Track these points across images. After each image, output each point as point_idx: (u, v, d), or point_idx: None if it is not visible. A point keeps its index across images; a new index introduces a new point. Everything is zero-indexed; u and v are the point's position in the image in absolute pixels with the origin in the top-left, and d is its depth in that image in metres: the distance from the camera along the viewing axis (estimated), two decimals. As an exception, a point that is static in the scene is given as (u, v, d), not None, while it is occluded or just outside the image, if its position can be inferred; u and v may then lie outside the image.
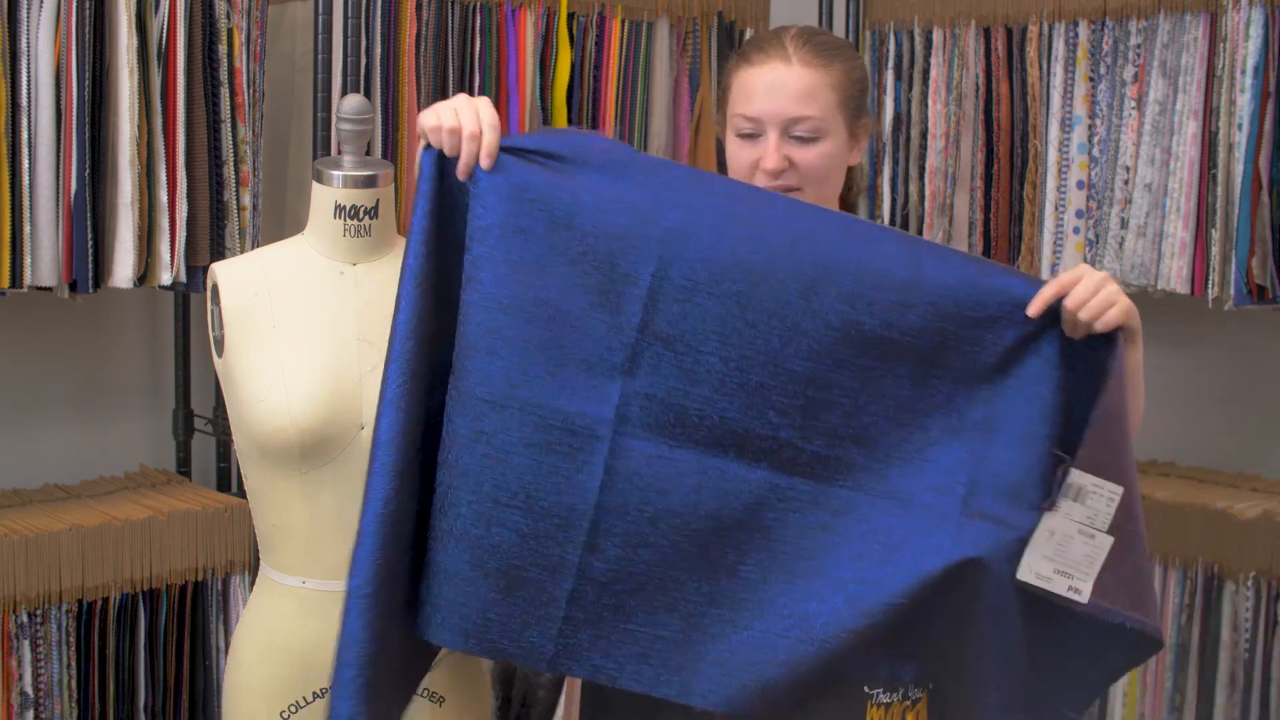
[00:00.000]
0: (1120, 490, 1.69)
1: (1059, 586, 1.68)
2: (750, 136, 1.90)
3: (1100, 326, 1.68)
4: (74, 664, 2.54)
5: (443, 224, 1.72)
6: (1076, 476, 1.68)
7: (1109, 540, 1.68)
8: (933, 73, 3.33)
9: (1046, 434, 1.70)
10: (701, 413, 1.70)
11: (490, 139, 1.68)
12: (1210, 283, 2.92)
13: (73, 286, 2.50)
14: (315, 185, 1.97)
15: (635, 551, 1.70)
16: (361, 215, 1.96)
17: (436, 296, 1.71)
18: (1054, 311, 1.70)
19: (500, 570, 1.68)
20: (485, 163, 1.68)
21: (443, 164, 1.72)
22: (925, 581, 1.69)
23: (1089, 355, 1.71)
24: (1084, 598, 1.68)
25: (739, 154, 1.92)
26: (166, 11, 2.55)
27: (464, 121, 1.69)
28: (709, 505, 1.71)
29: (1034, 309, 1.70)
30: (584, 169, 1.71)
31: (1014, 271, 1.79)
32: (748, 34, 3.34)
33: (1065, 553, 1.68)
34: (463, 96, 1.73)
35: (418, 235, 1.71)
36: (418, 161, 1.73)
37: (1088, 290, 1.68)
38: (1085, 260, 3.14)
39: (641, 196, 1.70)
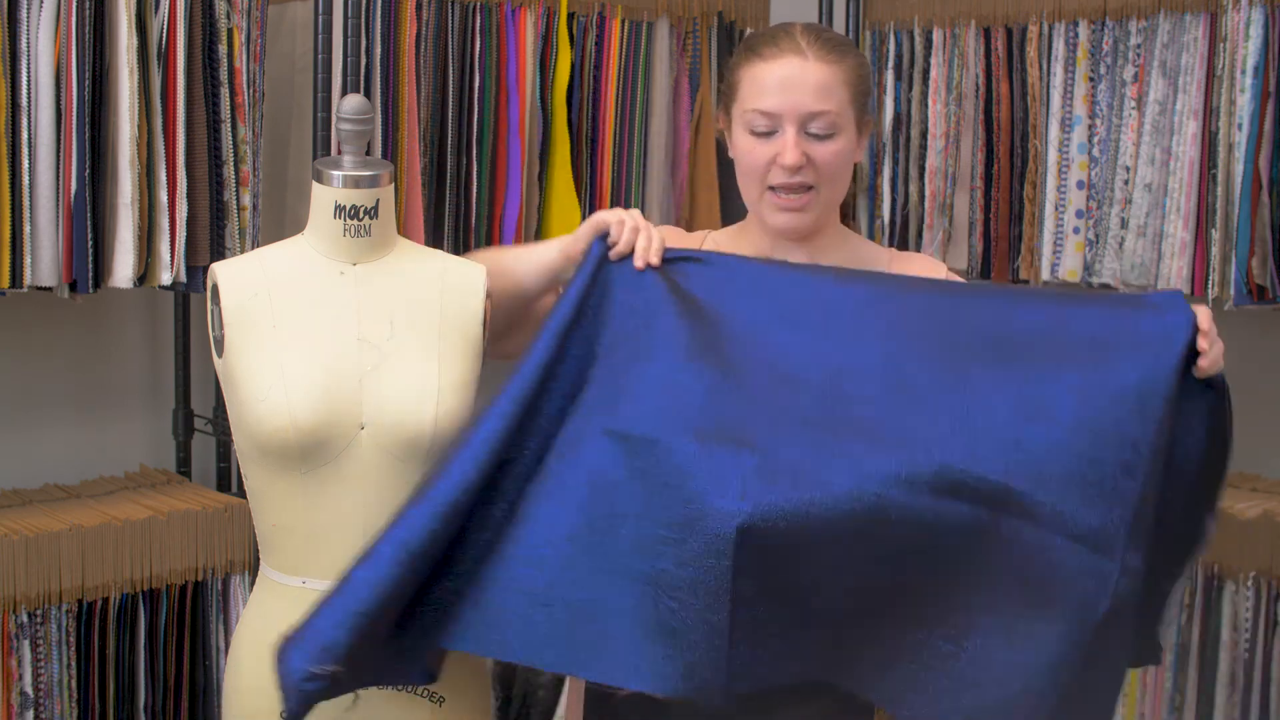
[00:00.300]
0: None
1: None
2: (765, 132, 1.88)
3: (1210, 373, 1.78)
4: (74, 664, 2.54)
5: (592, 301, 1.84)
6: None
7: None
8: (933, 73, 3.33)
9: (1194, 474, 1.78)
10: (860, 457, 1.71)
11: (659, 241, 1.85)
12: (1210, 283, 2.92)
13: (73, 286, 2.50)
14: (315, 185, 1.97)
15: (786, 574, 1.70)
16: (361, 215, 1.96)
17: (564, 356, 1.81)
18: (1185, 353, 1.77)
19: (670, 596, 1.69)
20: (655, 259, 1.83)
21: (605, 254, 1.85)
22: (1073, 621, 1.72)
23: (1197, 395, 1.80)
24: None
25: (754, 151, 1.89)
26: (166, 11, 2.55)
27: (640, 224, 1.85)
28: (862, 537, 1.70)
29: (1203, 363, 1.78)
30: (739, 272, 1.85)
31: (1140, 297, 1.86)
32: (747, 34, 3.34)
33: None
34: (636, 210, 1.91)
35: (572, 302, 1.81)
36: (587, 246, 1.86)
37: (1218, 345, 1.78)
38: (1085, 260, 3.14)
39: (792, 293, 1.82)
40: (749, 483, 1.66)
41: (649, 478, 1.70)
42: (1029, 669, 1.71)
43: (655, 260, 1.82)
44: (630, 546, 1.70)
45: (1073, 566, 1.71)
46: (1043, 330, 1.79)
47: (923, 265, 2.03)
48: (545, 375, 1.78)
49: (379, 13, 2.80)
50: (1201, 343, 1.76)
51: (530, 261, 1.95)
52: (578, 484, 1.74)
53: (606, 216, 1.85)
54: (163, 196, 2.56)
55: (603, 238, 1.84)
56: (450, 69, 2.91)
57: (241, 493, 2.74)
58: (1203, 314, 1.79)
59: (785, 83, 1.86)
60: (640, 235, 1.83)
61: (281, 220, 2.99)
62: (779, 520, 1.65)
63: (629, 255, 1.83)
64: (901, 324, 1.81)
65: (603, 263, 1.83)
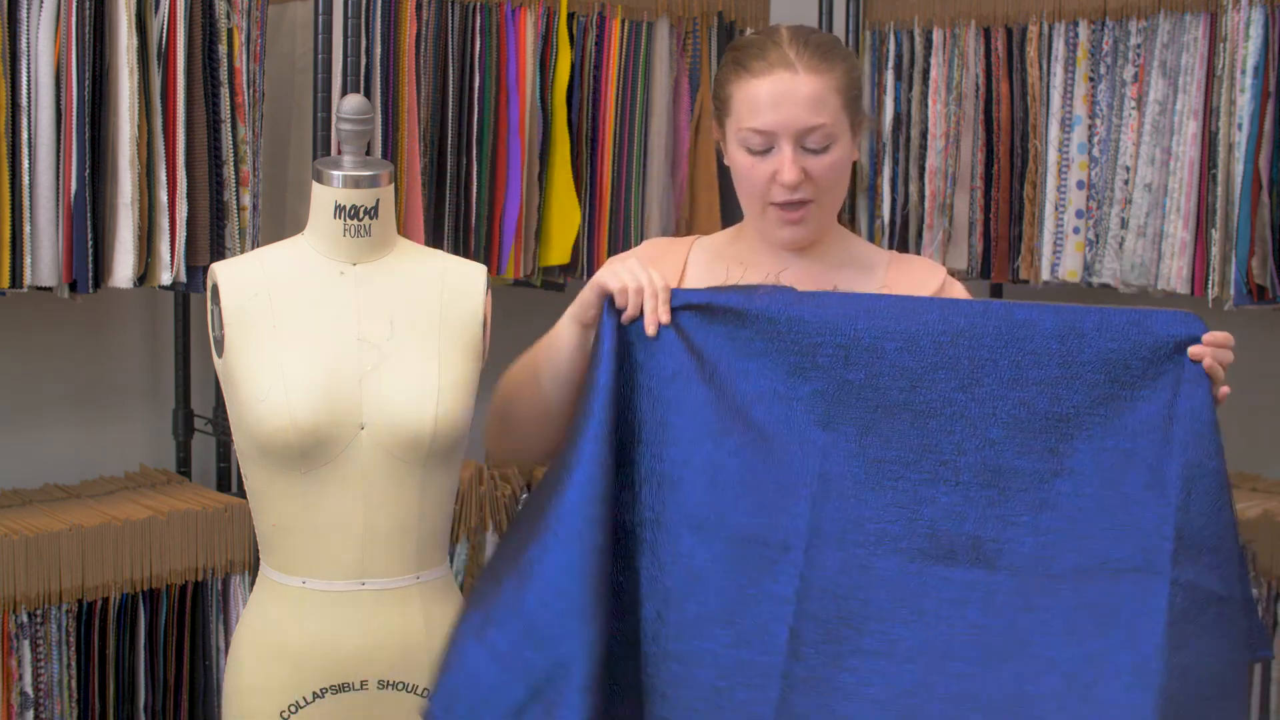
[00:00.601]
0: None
1: None
2: (761, 150, 1.87)
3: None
4: (74, 664, 2.54)
5: (620, 375, 1.84)
6: None
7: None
8: (933, 73, 3.33)
9: (1222, 485, 1.74)
10: (894, 523, 1.77)
11: (665, 293, 1.81)
12: (1210, 283, 2.92)
13: (73, 286, 2.50)
14: (315, 185, 1.97)
15: (837, 658, 1.76)
16: (361, 215, 1.96)
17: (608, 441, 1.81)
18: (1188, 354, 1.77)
19: (710, 684, 1.76)
20: (665, 317, 1.80)
21: (619, 322, 1.84)
22: (1145, 650, 1.72)
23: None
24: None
25: (752, 170, 1.88)
26: (166, 11, 2.55)
27: (643, 282, 1.80)
28: (910, 608, 1.76)
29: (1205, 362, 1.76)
30: (749, 317, 1.82)
31: (1150, 312, 1.82)
32: (747, 34, 3.34)
33: None
34: (634, 260, 1.85)
35: (605, 384, 1.80)
36: (599, 312, 1.83)
37: (1227, 358, 1.76)
38: (1085, 260, 3.14)
39: (805, 330, 1.80)
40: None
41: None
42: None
43: (665, 318, 1.81)
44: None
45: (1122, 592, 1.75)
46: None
47: (921, 268, 2.02)
48: (604, 463, 1.79)
49: (379, 13, 2.80)
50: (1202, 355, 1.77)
51: (555, 362, 1.90)
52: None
53: (609, 282, 1.81)
54: (163, 196, 2.56)
55: (611, 301, 1.83)
56: (450, 69, 2.91)
57: (241, 493, 2.74)
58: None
59: (777, 99, 1.85)
60: (646, 297, 1.81)
61: (281, 220, 2.99)
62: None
63: (640, 316, 1.82)
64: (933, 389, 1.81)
65: (620, 332, 1.82)
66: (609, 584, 1.76)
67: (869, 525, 1.78)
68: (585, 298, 1.84)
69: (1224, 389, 1.77)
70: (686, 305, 1.84)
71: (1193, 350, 1.76)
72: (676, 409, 1.81)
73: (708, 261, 2.00)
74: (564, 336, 1.88)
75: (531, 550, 1.73)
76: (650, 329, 1.81)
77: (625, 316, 1.81)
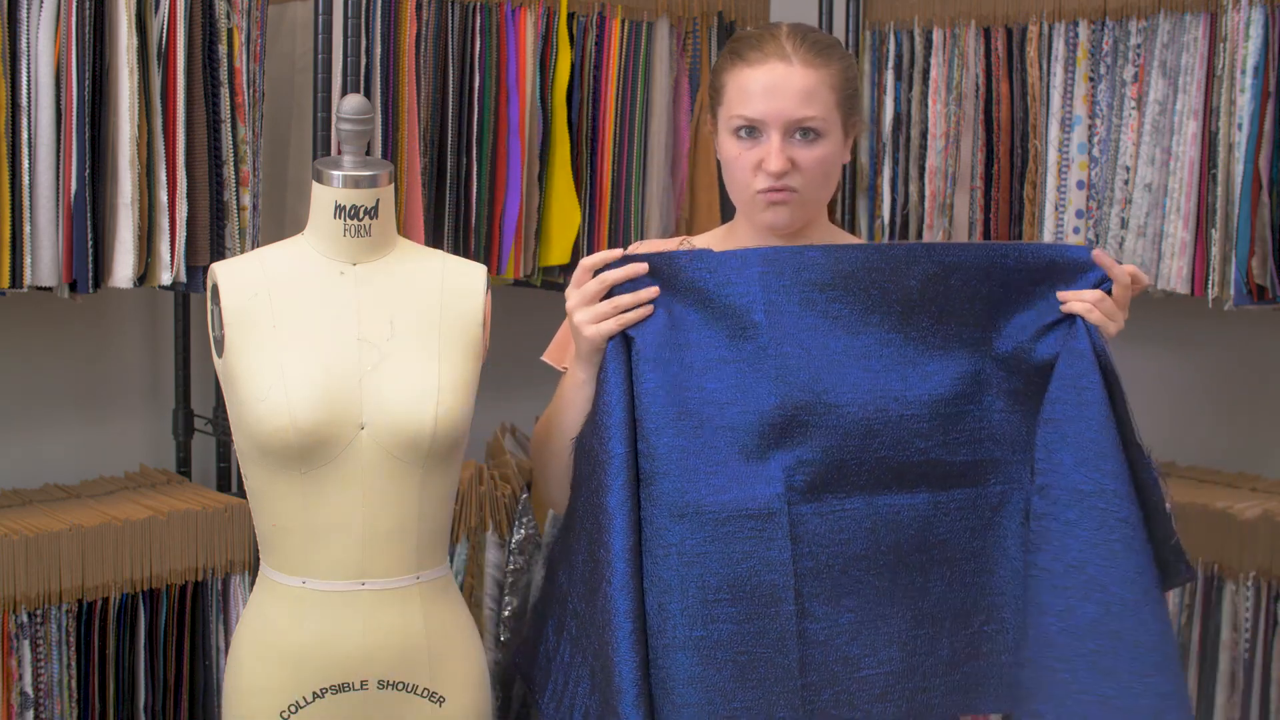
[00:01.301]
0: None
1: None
2: (750, 138, 1.89)
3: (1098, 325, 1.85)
4: (74, 664, 2.54)
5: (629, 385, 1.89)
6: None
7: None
8: (933, 73, 3.33)
9: (1103, 399, 1.84)
10: (858, 460, 1.84)
11: (631, 311, 1.85)
12: (1210, 283, 2.92)
13: (73, 286, 2.50)
14: (315, 185, 1.97)
15: (840, 603, 1.84)
16: (361, 215, 1.96)
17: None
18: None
19: (731, 661, 1.81)
20: (648, 295, 1.86)
21: (623, 345, 1.88)
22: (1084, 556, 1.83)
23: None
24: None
25: (740, 156, 1.90)
26: (166, 11, 2.55)
27: (612, 306, 1.85)
28: (887, 539, 1.85)
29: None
30: (679, 290, 1.86)
31: (1068, 248, 1.92)
32: (739, 32, 3.33)
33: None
34: (570, 291, 1.89)
35: (620, 419, 1.85)
36: (602, 355, 1.88)
37: (1119, 300, 1.85)
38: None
39: (734, 292, 1.84)
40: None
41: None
42: (1047, 618, 1.84)
43: (651, 294, 1.86)
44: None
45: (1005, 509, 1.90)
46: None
47: None
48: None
49: (379, 13, 2.80)
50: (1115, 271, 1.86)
51: (573, 414, 1.94)
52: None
53: (587, 332, 1.85)
54: (163, 196, 2.56)
55: (615, 339, 1.86)
56: (450, 69, 2.91)
57: (241, 493, 2.74)
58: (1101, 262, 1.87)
59: (770, 89, 1.87)
60: (627, 303, 1.85)
61: (281, 220, 2.98)
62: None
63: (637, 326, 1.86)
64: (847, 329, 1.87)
65: (626, 352, 1.87)
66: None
67: (835, 470, 1.83)
68: (584, 350, 1.88)
69: (1113, 317, 1.84)
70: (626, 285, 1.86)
71: (1077, 300, 1.84)
72: (636, 403, 1.85)
73: None
74: (578, 390, 1.93)
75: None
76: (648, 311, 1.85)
77: (636, 320, 1.85)
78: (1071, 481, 1.81)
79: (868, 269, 1.84)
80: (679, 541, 1.81)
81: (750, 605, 1.81)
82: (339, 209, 1.95)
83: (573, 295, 1.87)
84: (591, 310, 1.85)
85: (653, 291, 1.86)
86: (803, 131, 1.87)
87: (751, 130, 1.88)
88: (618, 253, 1.87)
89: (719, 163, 1.99)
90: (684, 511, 1.81)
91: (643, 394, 1.84)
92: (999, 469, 1.89)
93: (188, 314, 3.03)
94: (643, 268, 1.85)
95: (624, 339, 1.86)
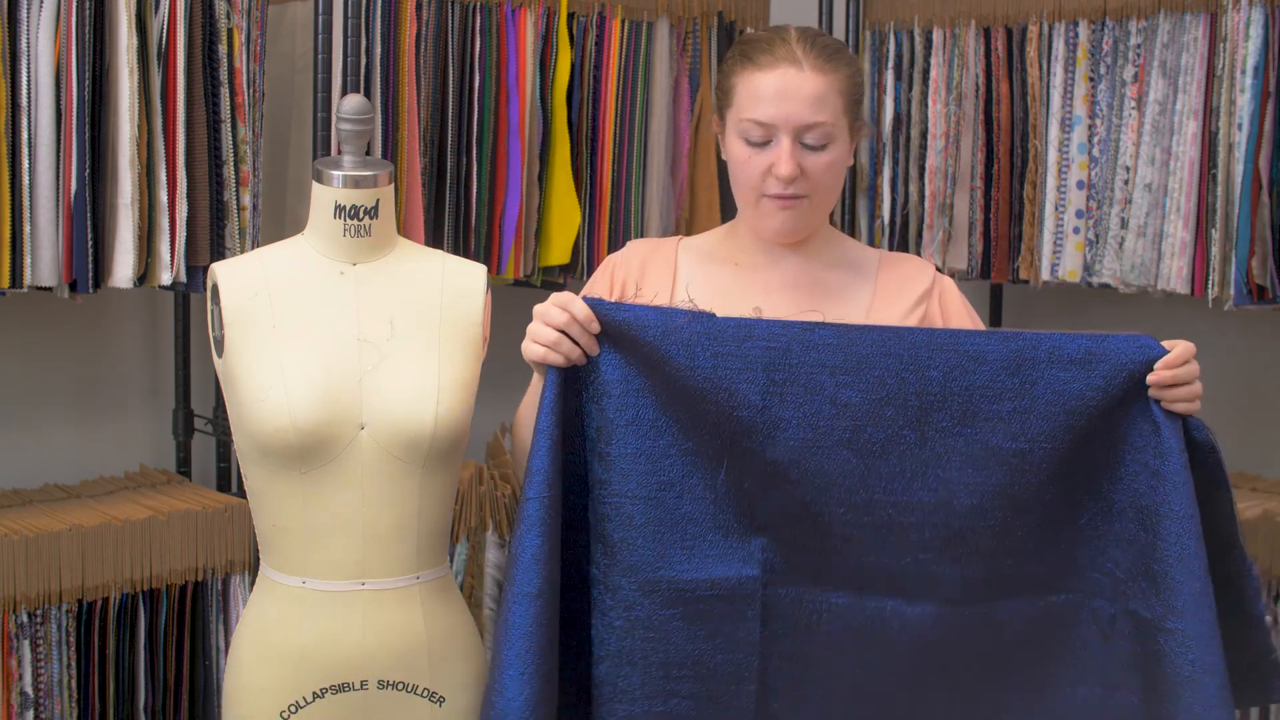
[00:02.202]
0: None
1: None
2: (760, 142, 1.88)
3: (1181, 410, 1.73)
4: (74, 664, 2.54)
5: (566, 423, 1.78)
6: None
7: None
8: (933, 73, 3.33)
9: (1191, 513, 1.69)
10: (841, 557, 1.74)
11: (589, 328, 1.75)
12: (1210, 283, 2.92)
13: (73, 286, 2.50)
14: (315, 185, 1.97)
15: (808, 688, 1.75)
16: (361, 215, 1.96)
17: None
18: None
19: None
20: (592, 349, 1.75)
21: (562, 375, 1.77)
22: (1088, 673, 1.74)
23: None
24: None
25: (749, 160, 1.89)
26: (166, 11, 2.55)
27: (560, 322, 1.75)
28: (873, 639, 1.75)
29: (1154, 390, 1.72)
30: (671, 354, 1.74)
31: (1104, 337, 1.76)
32: (743, 34, 3.33)
33: None
34: (547, 306, 1.79)
35: (550, 441, 1.75)
36: (544, 378, 1.80)
37: (1189, 375, 1.73)
38: (1085, 260, 3.14)
39: (731, 366, 1.73)
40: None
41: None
42: None
43: (593, 349, 1.76)
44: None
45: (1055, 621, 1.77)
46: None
47: (911, 266, 2.02)
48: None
49: (379, 13, 2.80)
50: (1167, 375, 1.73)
51: (532, 412, 1.88)
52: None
53: (533, 356, 1.79)
54: (163, 196, 2.56)
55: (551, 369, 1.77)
56: (450, 69, 2.91)
57: (241, 493, 2.74)
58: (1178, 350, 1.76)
59: (781, 93, 1.86)
60: (576, 334, 1.75)
61: (281, 220, 2.99)
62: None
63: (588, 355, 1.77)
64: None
65: (561, 383, 1.76)
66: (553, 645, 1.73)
67: (817, 562, 1.74)
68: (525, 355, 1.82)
69: (1193, 397, 1.72)
70: (610, 332, 1.75)
71: (1152, 381, 1.71)
72: (611, 464, 1.75)
73: (698, 262, 2.01)
74: (535, 392, 1.88)
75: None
76: (593, 350, 1.76)
77: (566, 364, 1.76)
78: (1143, 611, 1.70)
79: (884, 354, 1.71)
80: (646, 616, 1.74)
81: (712, 683, 1.75)
82: (339, 209, 1.95)
83: (542, 307, 1.80)
84: (539, 327, 1.79)
85: (591, 349, 1.75)
86: (812, 137, 1.87)
87: (761, 134, 1.88)
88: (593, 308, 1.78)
89: (719, 163, 1.99)
90: (656, 586, 1.73)
91: (622, 458, 1.74)
92: (1014, 586, 1.76)
93: (188, 314, 3.03)
94: (592, 339, 1.76)
95: (584, 390, 1.75)
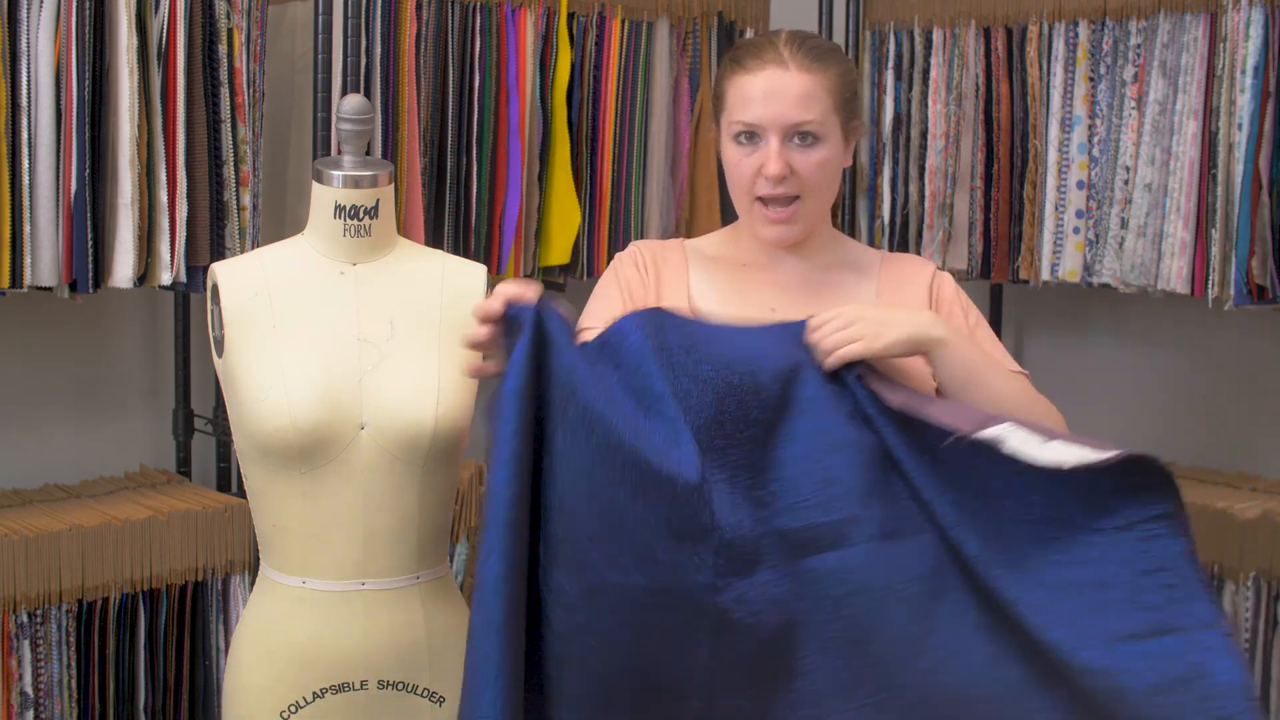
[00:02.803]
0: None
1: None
2: (750, 144, 1.90)
3: (835, 361, 1.71)
4: (74, 664, 2.54)
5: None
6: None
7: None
8: (933, 73, 3.33)
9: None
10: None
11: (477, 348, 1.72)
12: (1210, 283, 2.92)
13: (73, 286, 2.50)
14: (315, 185, 1.97)
15: (770, 684, 1.69)
16: (361, 215, 1.96)
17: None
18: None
19: None
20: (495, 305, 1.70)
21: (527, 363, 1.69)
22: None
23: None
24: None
25: (740, 162, 1.91)
26: (166, 11, 2.55)
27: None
28: (816, 602, 1.69)
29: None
30: (619, 359, 1.70)
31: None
32: (747, 34, 3.34)
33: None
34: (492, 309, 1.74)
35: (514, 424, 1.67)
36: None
37: (830, 328, 1.73)
38: (1085, 260, 3.14)
39: (685, 374, 1.69)
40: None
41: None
42: None
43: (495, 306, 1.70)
44: None
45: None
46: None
47: (912, 265, 2.04)
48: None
49: (379, 13, 2.80)
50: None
51: None
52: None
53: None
54: (163, 196, 2.56)
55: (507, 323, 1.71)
56: (450, 69, 2.91)
57: (241, 493, 2.74)
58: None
59: (767, 94, 1.87)
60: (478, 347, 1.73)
61: (281, 220, 2.99)
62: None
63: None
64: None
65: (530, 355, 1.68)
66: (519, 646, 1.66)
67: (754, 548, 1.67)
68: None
69: (841, 329, 1.73)
70: (552, 329, 1.68)
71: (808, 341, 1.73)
72: (558, 474, 1.67)
73: (706, 265, 2.01)
74: None
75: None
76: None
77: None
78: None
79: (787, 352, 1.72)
80: (587, 621, 1.66)
81: (657, 691, 1.68)
82: (339, 209, 1.95)
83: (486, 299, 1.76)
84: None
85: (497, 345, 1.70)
86: (801, 136, 1.88)
87: (751, 136, 1.89)
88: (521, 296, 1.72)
89: (719, 163, 1.99)
90: (602, 589, 1.65)
91: (572, 474, 1.66)
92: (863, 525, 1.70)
93: (188, 314, 3.03)
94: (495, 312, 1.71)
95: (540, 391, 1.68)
